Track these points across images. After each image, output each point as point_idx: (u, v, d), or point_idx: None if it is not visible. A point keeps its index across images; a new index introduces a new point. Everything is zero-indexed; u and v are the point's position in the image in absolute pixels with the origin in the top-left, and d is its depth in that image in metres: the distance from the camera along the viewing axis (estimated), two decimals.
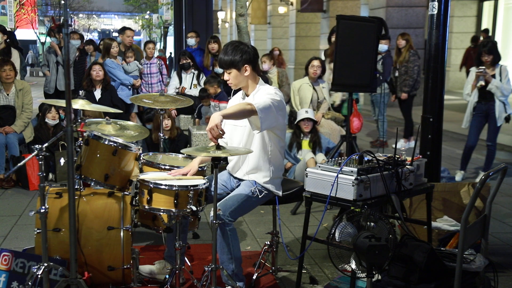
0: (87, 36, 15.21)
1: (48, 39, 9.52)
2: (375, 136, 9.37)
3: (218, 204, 3.24)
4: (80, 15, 49.56)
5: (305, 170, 3.37)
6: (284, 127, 3.58)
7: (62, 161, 6.13)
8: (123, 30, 8.76)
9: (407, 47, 8.43)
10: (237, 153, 3.31)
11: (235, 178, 3.62)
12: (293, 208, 5.40)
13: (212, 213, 3.18)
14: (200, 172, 3.56)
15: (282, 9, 20.53)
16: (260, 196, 3.46)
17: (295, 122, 6.20)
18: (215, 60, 7.87)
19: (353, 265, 2.91)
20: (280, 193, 3.57)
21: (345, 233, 2.90)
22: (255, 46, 3.75)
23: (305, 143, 6.17)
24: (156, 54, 9.07)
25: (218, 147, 3.01)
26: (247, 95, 3.53)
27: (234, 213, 3.34)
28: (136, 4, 41.00)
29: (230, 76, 3.46)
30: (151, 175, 3.43)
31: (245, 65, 3.43)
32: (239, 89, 3.62)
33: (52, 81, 8.15)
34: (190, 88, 7.86)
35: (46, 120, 6.51)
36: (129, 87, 7.90)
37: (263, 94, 3.40)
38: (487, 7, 12.87)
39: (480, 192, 3.21)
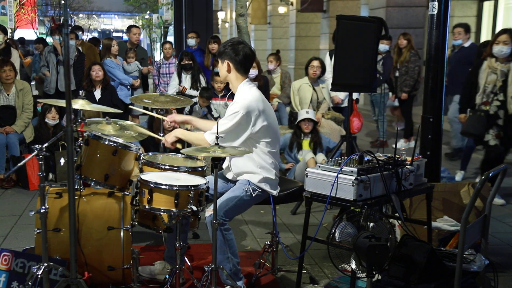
0: (87, 36, 15.15)
1: (49, 39, 9.51)
2: (375, 136, 9.36)
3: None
4: (80, 15, 49.49)
5: (305, 170, 3.37)
6: (269, 128, 3.48)
7: (62, 161, 6.13)
8: (129, 28, 8.92)
9: (408, 47, 8.42)
10: (237, 153, 3.31)
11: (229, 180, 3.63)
12: (293, 208, 5.40)
13: (206, 214, 3.19)
14: (200, 172, 3.57)
15: (282, 9, 20.49)
16: (253, 195, 3.44)
17: (296, 123, 6.20)
18: (215, 60, 7.87)
19: (353, 265, 2.91)
20: (275, 192, 3.55)
21: (345, 233, 2.90)
22: (255, 47, 3.75)
23: (306, 143, 6.16)
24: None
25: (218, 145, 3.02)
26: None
27: (228, 212, 3.34)
28: (136, 4, 40.96)
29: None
30: (154, 175, 3.43)
31: (226, 61, 3.46)
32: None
33: (53, 81, 8.14)
34: (190, 88, 7.86)
35: (46, 120, 6.51)
36: (128, 87, 7.90)
37: (227, 113, 3.41)
38: (487, 7, 12.82)
39: (480, 192, 3.21)
